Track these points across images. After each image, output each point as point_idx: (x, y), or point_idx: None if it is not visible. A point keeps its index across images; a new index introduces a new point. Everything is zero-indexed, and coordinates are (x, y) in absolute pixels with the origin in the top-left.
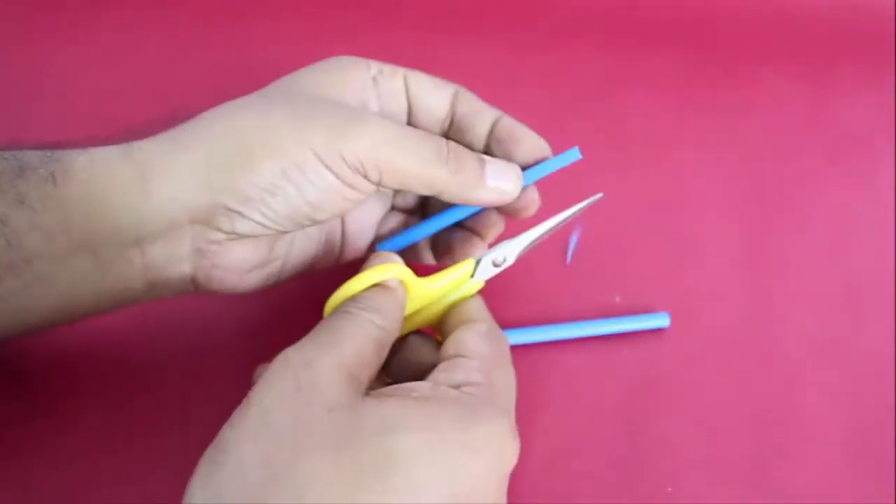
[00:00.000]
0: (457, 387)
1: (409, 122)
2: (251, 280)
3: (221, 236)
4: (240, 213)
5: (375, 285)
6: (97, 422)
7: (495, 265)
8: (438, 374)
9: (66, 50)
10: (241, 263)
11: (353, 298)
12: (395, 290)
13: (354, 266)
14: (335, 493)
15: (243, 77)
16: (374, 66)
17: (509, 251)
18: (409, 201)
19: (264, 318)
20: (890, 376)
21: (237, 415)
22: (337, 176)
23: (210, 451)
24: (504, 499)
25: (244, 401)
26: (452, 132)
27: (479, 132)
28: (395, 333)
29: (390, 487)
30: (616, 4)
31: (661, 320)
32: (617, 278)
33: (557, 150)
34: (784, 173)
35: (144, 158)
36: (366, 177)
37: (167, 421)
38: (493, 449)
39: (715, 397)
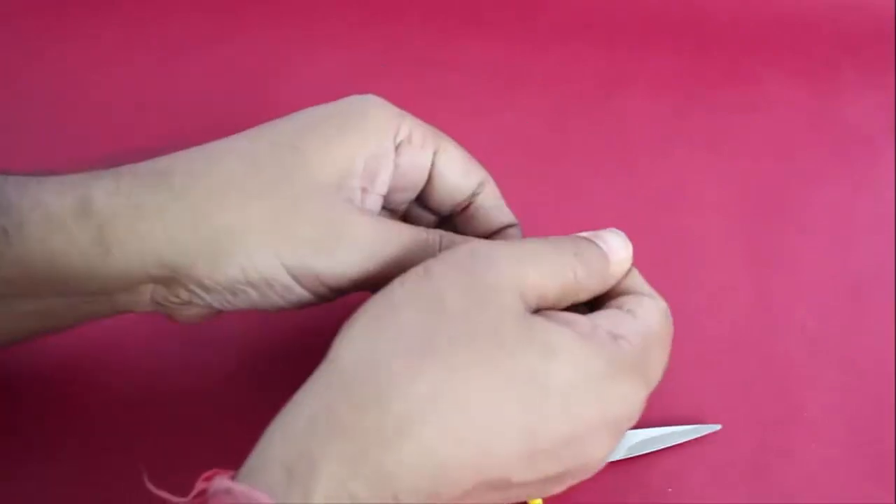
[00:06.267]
0: (613, 336)
1: (421, 194)
2: (215, 315)
3: (179, 301)
4: (199, 296)
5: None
6: (93, 421)
7: None
8: (600, 318)
9: (63, 54)
10: (202, 315)
11: (575, 240)
12: (617, 267)
13: None
14: (482, 385)
15: (244, 77)
16: (404, 129)
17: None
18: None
19: (262, 318)
20: (890, 376)
21: (412, 279)
22: (309, 291)
23: (375, 303)
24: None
25: (421, 268)
26: (460, 216)
27: (482, 231)
28: (583, 298)
29: (525, 399)
30: (616, 4)
31: None
32: None
33: (558, 150)
34: (785, 173)
35: (103, 222)
36: (342, 290)
37: (163, 422)
38: (621, 408)
39: (715, 397)
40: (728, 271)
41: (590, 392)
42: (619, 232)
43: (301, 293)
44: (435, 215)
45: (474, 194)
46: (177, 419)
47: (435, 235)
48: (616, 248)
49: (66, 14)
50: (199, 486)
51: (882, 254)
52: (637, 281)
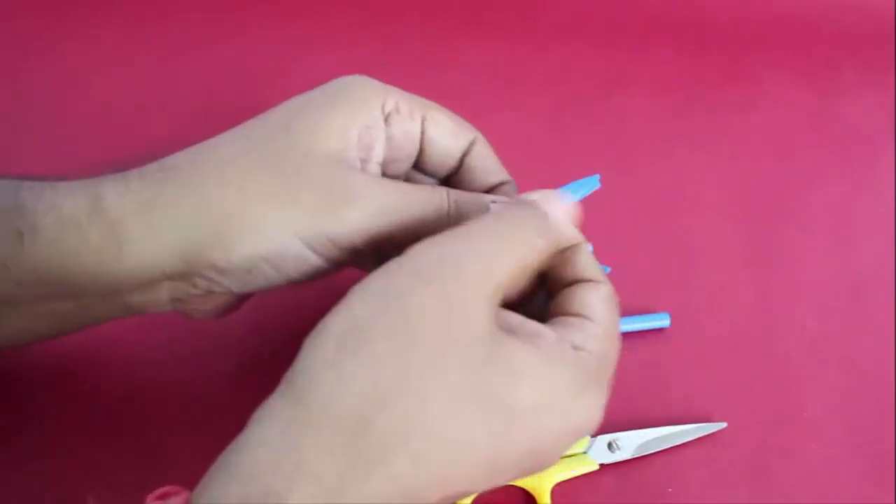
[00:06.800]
0: (576, 348)
1: (416, 162)
2: (233, 307)
3: (199, 291)
4: (217, 282)
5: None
6: (93, 421)
7: (610, 450)
8: (564, 327)
9: (63, 54)
10: (220, 305)
11: (526, 212)
12: (566, 231)
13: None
14: (451, 412)
15: (244, 77)
16: (391, 101)
17: (627, 441)
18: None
19: (263, 318)
20: (890, 376)
21: (373, 296)
22: (323, 257)
23: (336, 324)
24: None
25: (385, 277)
26: (455, 176)
27: (478, 189)
28: (540, 268)
29: (493, 423)
30: (616, 4)
31: (661, 320)
32: (617, 278)
33: (558, 150)
34: (785, 173)
35: (116, 219)
36: (357, 251)
37: (163, 421)
38: (584, 419)
39: (715, 397)
40: (728, 271)
41: (556, 410)
42: (558, 193)
43: (315, 261)
44: (434, 178)
45: (465, 154)
46: (177, 419)
47: (442, 192)
48: (558, 213)
49: (66, 14)
50: None
51: (882, 254)
52: (584, 260)
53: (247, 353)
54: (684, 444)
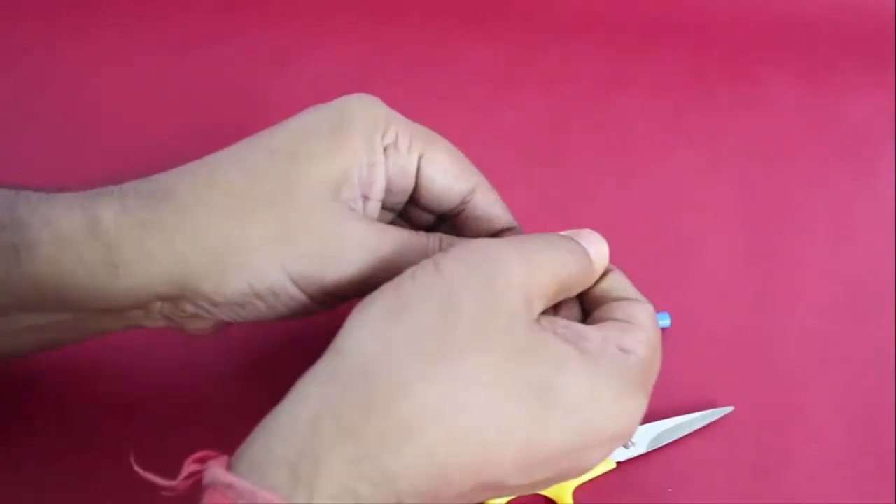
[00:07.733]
0: (622, 350)
1: (412, 196)
2: (223, 326)
3: (186, 315)
4: (207, 310)
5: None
6: (92, 422)
7: (625, 446)
8: (609, 330)
9: (63, 54)
10: (210, 326)
11: (562, 238)
12: (599, 265)
13: None
14: (490, 393)
15: (244, 77)
16: (391, 133)
17: (641, 436)
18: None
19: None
20: (890, 376)
21: (423, 274)
22: (313, 300)
23: (384, 297)
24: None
25: (432, 264)
26: (459, 217)
27: (480, 234)
28: (572, 294)
29: (531, 410)
30: (616, 4)
31: (661, 320)
32: None
33: (558, 150)
34: (785, 173)
35: (111, 241)
36: (346, 295)
37: (163, 422)
38: (624, 423)
39: (715, 397)
40: (728, 271)
41: (596, 408)
42: (594, 231)
43: (306, 302)
44: (432, 213)
45: (465, 201)
46: (178, 419)
47: (434, 240)
48: (596, 246)
49: (67, 14)
50: (190, 467)
51: (882, 254)
52: (625, 284)
53: (247, 353)
54: (683, 445)
